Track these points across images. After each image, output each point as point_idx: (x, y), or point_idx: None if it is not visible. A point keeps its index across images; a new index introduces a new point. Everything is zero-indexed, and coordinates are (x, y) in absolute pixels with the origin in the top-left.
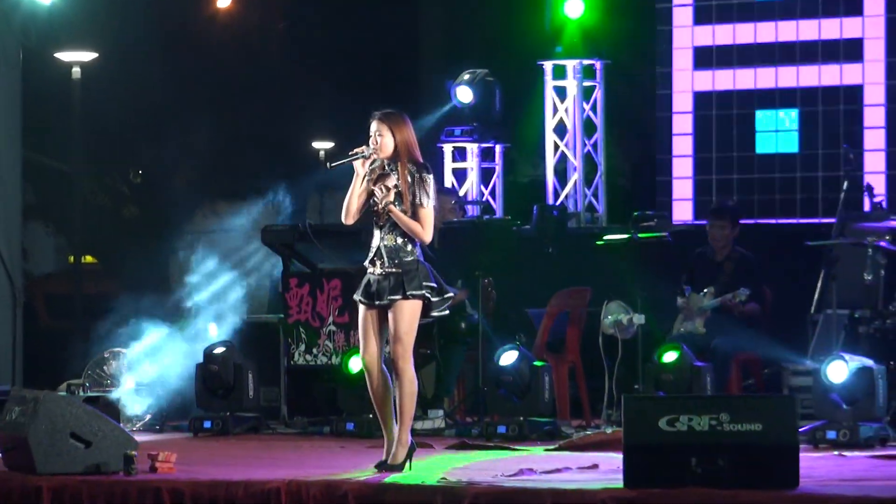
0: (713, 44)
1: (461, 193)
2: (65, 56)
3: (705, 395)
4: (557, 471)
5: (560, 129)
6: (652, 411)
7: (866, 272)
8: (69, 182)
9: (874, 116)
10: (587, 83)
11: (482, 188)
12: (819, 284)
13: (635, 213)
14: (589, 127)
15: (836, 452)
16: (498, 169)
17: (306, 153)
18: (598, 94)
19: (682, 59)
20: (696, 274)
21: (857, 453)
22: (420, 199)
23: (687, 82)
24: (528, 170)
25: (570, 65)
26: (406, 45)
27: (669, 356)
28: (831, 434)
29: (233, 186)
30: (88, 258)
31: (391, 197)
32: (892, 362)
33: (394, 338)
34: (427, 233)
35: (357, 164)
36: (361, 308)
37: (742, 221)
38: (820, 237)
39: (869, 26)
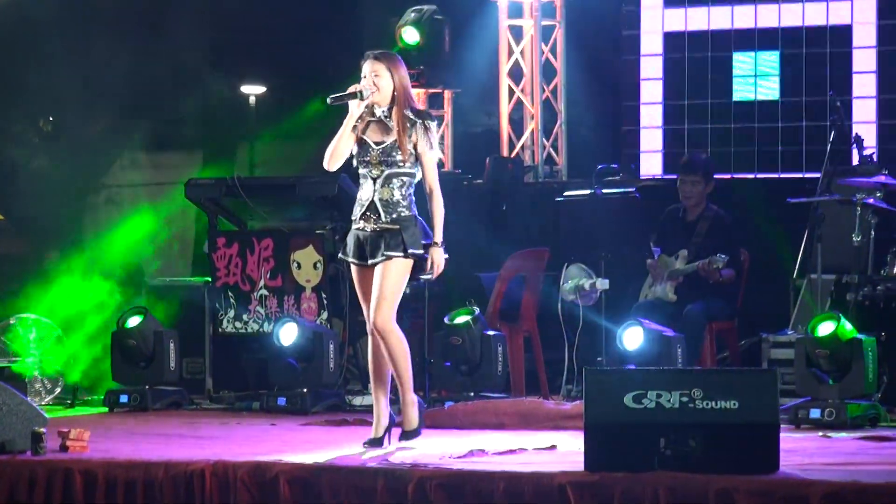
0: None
1: None
2: None
3: (676, 369)
4: (511, 451)
5: (516, 73)
6: (616, 386)
7: (854, 233)
8: None
9: (864, 60)
10: (546, 22)
11: None
12: (802, 246)
13: (599, 167)
14: (548, 71)
15: (820, 433)
16: (447, 117)
17: (236, 98)
18: (558, 34)
19: None
20: (667, 234)
21: (843, 434)
22: (425, 149)
23: (656, 21)
24: (480, 118)
25: (527, 1)
26: None
27: (632, 338)
28: (815, 413)
29: (153, 136)
30: None
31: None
32: (882, 333)
33: (380, 296)
34: (439, 193)
35: (353, 104)
36: (354, 269)
37: (717, 176)
38: (803, 194)
39: None
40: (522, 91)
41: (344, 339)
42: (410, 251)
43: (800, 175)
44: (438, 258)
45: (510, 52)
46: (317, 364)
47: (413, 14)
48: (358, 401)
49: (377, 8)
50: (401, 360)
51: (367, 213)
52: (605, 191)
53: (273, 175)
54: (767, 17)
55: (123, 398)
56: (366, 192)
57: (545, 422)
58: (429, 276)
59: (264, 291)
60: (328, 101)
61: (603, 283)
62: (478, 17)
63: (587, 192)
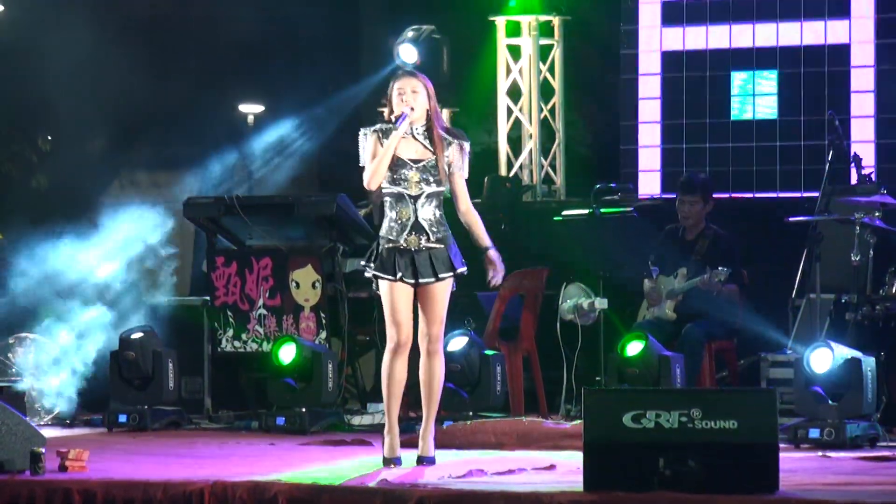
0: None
1: None
2: None
3: (675, 389)
4: (510, 472)
5: (514, 93)
6: (615, 406)
7: (853, 252)
8: None
9: (862, 79)
10: (544, 41)
11: None
12: (801, 265)
13: (597, 186)
14: (546, 90)
15: (819, 453)
16: None
17: (233, 118)
18: (556, 53)
19: (648, 15)
20: (666, 254)
21: (842, 454)
22: (458, 169)
23: (654, 41)
24: (478, 137)
25: (526, 21)
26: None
27: (634, 348)
28: (814, 432)
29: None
30: None
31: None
32: (881, 353)
33: (435, 319)
34: (474, 209)
35: (404, 125)
36: (389, 285)
37: (715, 196)
38: (802, 213)
39: None
40: (521, 110)
41: (343, 359)
42: (459, 270)
43: (798, 194)
44: (496, 260)
45: (508, 72)
46: (315, 384)
47: (411, 33)
48: (357, 420)
49: (376, 27)
50: (442, 382)
51: (412, 233)
52: (603, 210)
53: (272, 194)
54: (766, 37)
55: (122, 418)
56: (404, 210)
57: (544, 441)
58: (495, 280)
59: (263, 311)
60: (395, 125)
61: (602, 303)
62: (476, 37)
63: (585, 211)
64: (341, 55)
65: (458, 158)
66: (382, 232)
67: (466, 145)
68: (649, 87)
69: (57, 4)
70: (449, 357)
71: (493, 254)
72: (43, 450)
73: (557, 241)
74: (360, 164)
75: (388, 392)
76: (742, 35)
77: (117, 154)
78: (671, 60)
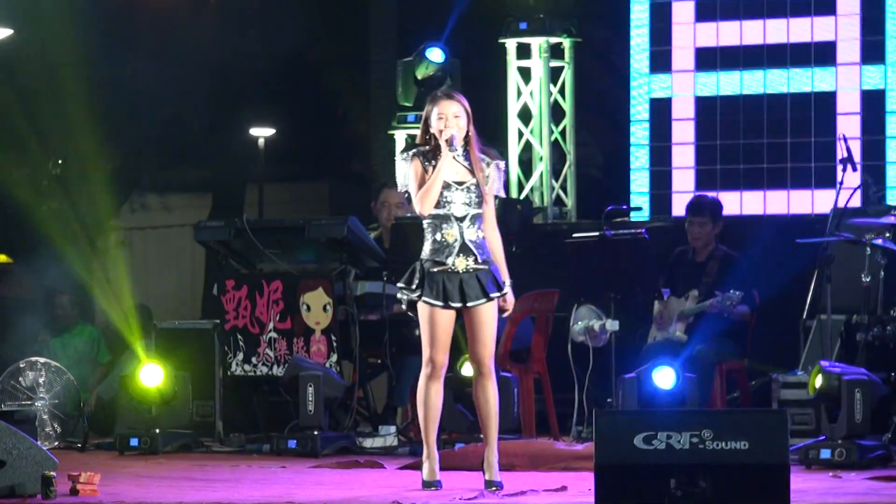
0: (694, 21)
1: None
2: None
3: (686, 410)
4: (522, 493)
5: (525, 115)
6: (627, 427)
7: (864, 273)
8: None
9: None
10: (554, 63)
11: None
12: (812, 286)
13: (608, 208)
14: (557, 112)
15: (830, 473)
16: None
17: (244, 141)
18: (566, 75)
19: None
20: (676, 276)
21: (853, 474)
22: (494, 190)
23: (665, 63)
24: None
25: (536, 43)
26: (355, 22)
27: (664, 379)
28: (825, 453)
29: (163, 179)
30: (2, 257)
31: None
32: (892, 373)
33: (486, 341)
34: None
35: (447, 148)
36: (431, 310)
37: (726, 215)
38: (813, 234)
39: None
40: (531, 132)
41: (354, 381)
42: (505, 290)
43: (809, 213)
44: (511, 298)
45: (519, 94)
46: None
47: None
48: (368, 443)
49: (385, 50)
50: (498, 404)
51: (460, 254)
52: (614, 232)
53: (282, 217)
54: (777, 59)
55: (134, 441)
56: (450, 232)
57: (555, 463)
58: (505, 315)
59: (273, 334)
60: (452, 147)
61: (613, 325)
62: (486, 59)
63: (596, 233)
64: (351, 78)
65: (496, 180)
66: (425, 255)
67: (502, 164)
68: (661, 110)
69: (67, 27)
70: (464, 381)
71: (509, 297)
72: (54, 473)
73: (568, 263)
74: (401, 189)
75: (426, 416)
76: (754, 56)
77: (128, 178)
78: (682, 82)
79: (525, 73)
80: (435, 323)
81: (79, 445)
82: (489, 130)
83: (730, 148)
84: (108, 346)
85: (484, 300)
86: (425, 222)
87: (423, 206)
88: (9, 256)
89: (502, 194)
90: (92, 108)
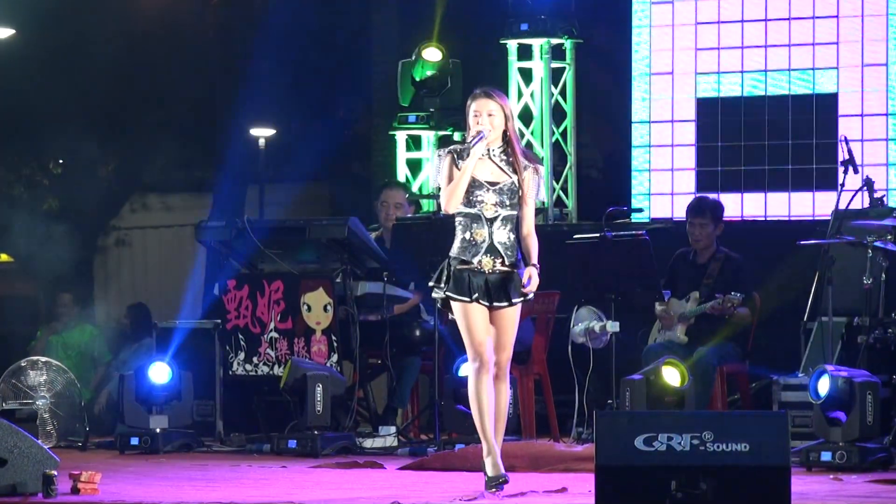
0: (695, 21)
1: (415, 187)
2: None
3: (686, 412)
4: (522, 494)
5: (525, 116)
6: (627, 429)
7: (865, 275)
8: None
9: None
10: (555, 64)
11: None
12: (813, 289)
13: (608, 209)
14: (558, 113)
15: (831, 476)
16: None
17: (244, 141)
18: (567, 76)
19: (660, 39)
20: (677, 277)
21: (855, 477)
22: (532, 193)
23: (667, 65)
24: None
25: (537, 44)
26: (356, 22)
27: (672, 377)
28: (826, 455)
29: (163, 178)
30: (3, 256)
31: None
32: (893, 376)
33: (504, 344)
34: (535, 236)
35: (480, 146)
36: (461, 305)
37: (727, 218)
38: (814, 236)
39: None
40: (532, 133)
41: (354, 382)
42: (529, 297)
43: (810, 218)
44: (535, 276)
45: (520, 95)
46: (303, 406)
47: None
48: (368, 443)
49: (387, 51)
50: (507, 407)
51: (487, 254)
52: (614, 233)
53: (283, 217)
54: (777, 60)
55: (134, 440)
56: (479, 232)
57: (556, 464)
58: (527, 293)
59: (274, 334)
60: (473, 147)
61: (613, 326)
62: (487, 60)
63: (597, 234)
64: (352, 78)
65: (533, 183)
66: (454, 252)
67: (541, 169)
68: (662, 111)
69: (67, 28)
70: (459, 383)
71: (533, 269)
72: (55, 472)
73: (569, 264)
74: (435, 186)
75: (480, 411)
76: (754, 58)
77: (128, 177)
78: (683, 83)
79: (526, 74)
80: (468, 317)
81: (80, 444)
82: None
83: (730, 150)
84: (107, 346)
85: (507, 303)
86: (456, 220)
87: (449, 203)
88: (9, 255)
89: (543, 197)
90: (93, 110)
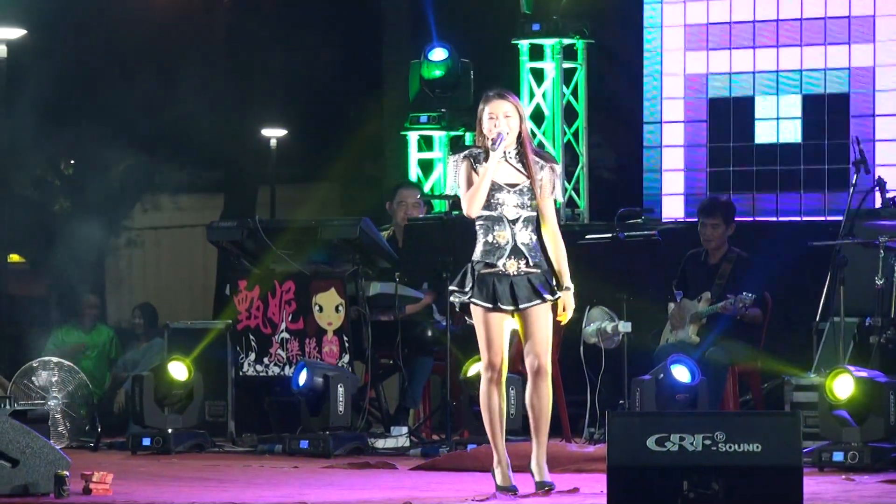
0: (707, 22)
1: (427, 187)
2: None
3: (698, 412)
4: (535, 494)
5: (537, 116)
6: (639, 429)
7: (877, 276)
8: None
9: (887, 102)
10: (567, 64)
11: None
12: (825, 289)
13: (620, 210)
14: (569, 113)
15: (843, 476)
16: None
17: (256, 142)
18: (579, 76)
19: (672, 39)
20: (689, 278)
21: (866, 477)
22: (550, 192)
23: (678, 64)
24: None
25: (549, 44)
26: (368, 23)
27: (681, 375)
28: (838, 455)
29: (175, 179)
30: (14, 257)
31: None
32: None
33: (540, 341)
34: (560, 235)
35: (500, 150)
36: (482, 312)
37: (739, 220)
38: (826, 237)
39: (881, 1)
40: (544, 134)
41: (366, 382)
42: (558, 294)
43: (822, 218)
44: (571, 302)
45: (532, 95)
46: (326, 407)
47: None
48: (380, 444)
49: (398, 51)
50: (550, 406)
51: (511, 257)
52: (626, 234)
53: (294, 218)
54: (790, 60)
55: (146, 441)
56: (502, 234)
57: (568, 464)
58: (562, 320)
59: (285, 335)
60: (495, 148)
61: (625, 326)
62: (499, 60)
63: (609, 235)
64: (363, 79)
65: (549, 182)
66: (476, 256)
67: (557, 168)
68: (673, 111)
69: (77, 29)
70: (468, 383)
71: (567, 296)
72: (67, 473)
73: (581, 264)
74: (450, 192)
75: (491, 421)
76: (766, 59)
77: (140, 178)
78: (695, 84)
79: (538, 75)
80: (488, 325)
81: (91, 445)
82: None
83: (742, 150)
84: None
85: (536, 301)
86: (477, 224)
87: (471, 207)
88: (20, 256)
89: (560, 197)
90: (104, 111)
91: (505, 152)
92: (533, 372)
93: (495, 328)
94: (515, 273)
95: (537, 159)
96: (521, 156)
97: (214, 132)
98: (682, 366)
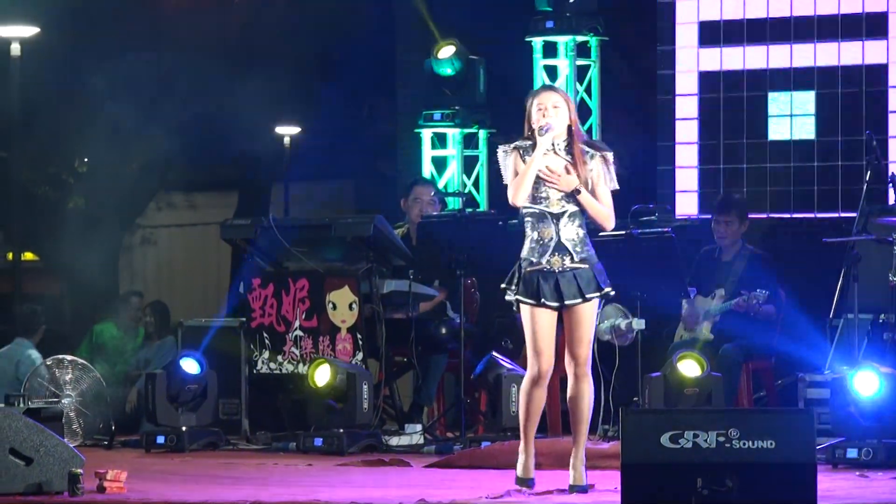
0: (721, 18)
1: (441, 184)
2: (2, 31)
3: (712, 409)
4: (548, 492)
5: None
6: (653, 426)
7: (891, 272)
8: (7, 170)
9: None
10: (581, 62)
11: (464, 178)
12: (839, 286)
13: (634, 207)
14: (583, 111)
15: (857, 473)
16: (482, 157)
17: (269, 139)
18: (592, 73)
19: (685, 36)
20: (703, 274)
21: (881, 473)
22: (604, 182)
23: (692, 61)
24: None
25: (562, 41)
26: (380, 20)
27: (689, 369)
28: (852, 452)
29: (189, 177)
30: (29, 255)
31: (574, 181)
32: None
33: (582, 340)
34: (613, 220)
35: (547, 139)
36: (531, 310)
37: (753, 216)
38: (840, 233)
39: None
40: None
41: (380, 380)
42: (606, 290)
43: (836, 215)
44: (571, 181)
45: None
46: (350, 405)
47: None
48: (394, 441)
49: (411, 49)
50: (591, 406)
51: (555, 253)
52: (640, 231)
53: (308, 216)
54: (803, 57)
55: (160, 439)
56: (546, 230)
57: None
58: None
59: (299, 332)
60: (542, 137)
61: (639, 323)
62: (513, 57)
63: (622, 232)
64: (377, 77)
65: (601, 171)
66: (524, 254)
67: (610, 156)
68: (686, 108)
69: (91, 28)
70: (479, 382)
71: (573, 183)
72: (81, 471)
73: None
74: (504, 183)
75: (526, 416)
76: (779, 56)
77: (154, 176)
78: (708, 81)
79: (551, 72)
80: (534, 323)
81: (106, 443)
82: (515, 128)
83: (756, 147)
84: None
85: (580, 300)
86: (525, 220)
87: (517, 196)
88: (35, 254)
89: (615, 186)
90: (119, 108)
91: (554, 144)
92: (574, 373)
93: (542, 329)
94: (560, 269)
95: (587, 149)
96: (571, 147)
97: (228, 130)
98: (688, 359)
